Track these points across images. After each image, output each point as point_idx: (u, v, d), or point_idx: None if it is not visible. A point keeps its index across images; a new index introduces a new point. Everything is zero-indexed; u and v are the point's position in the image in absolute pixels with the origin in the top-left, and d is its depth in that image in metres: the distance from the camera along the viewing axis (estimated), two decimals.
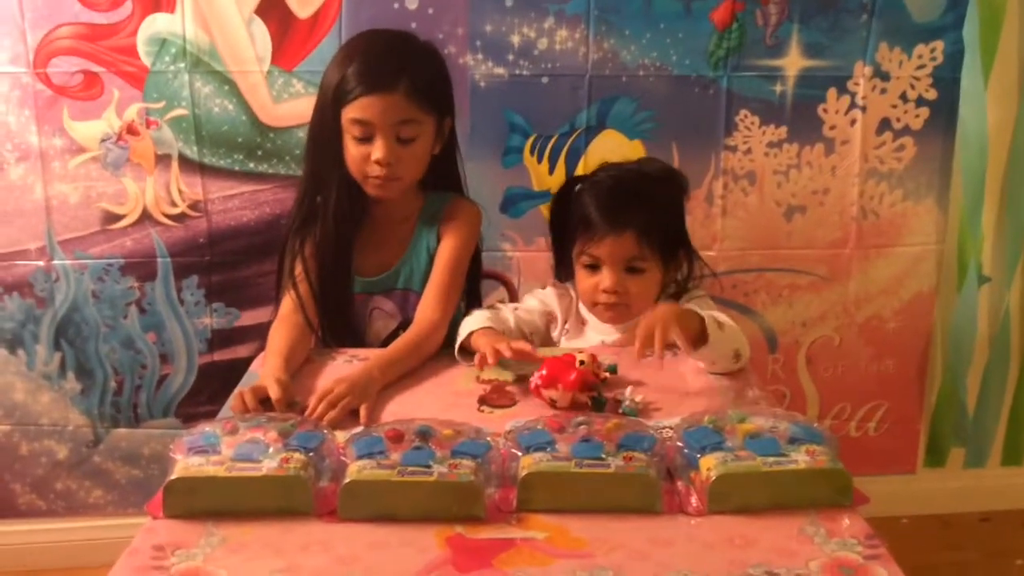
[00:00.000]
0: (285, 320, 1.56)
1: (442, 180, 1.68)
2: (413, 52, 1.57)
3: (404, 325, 1.64)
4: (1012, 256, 2.27)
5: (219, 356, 2.10)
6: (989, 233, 2.25)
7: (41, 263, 2.03)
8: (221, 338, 2.10)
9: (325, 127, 1.55)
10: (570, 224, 1.57)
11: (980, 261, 2.24)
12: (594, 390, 1.29)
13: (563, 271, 1.65)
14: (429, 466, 1.01)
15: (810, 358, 2.25)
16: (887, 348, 2.26)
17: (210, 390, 2.10)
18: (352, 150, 1.53)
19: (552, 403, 1.28)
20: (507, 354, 1.36)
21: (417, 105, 1.51)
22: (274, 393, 1.29)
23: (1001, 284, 2.29)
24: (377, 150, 1.50)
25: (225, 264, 2.05)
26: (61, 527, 2.21)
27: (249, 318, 2.08)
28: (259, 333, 2.00)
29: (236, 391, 1.32)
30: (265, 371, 1.38)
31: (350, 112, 1.50)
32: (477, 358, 1.38)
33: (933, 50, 2.06)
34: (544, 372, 1.29)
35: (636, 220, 1.48)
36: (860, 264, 2.18)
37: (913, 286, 2.21)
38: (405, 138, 1.52)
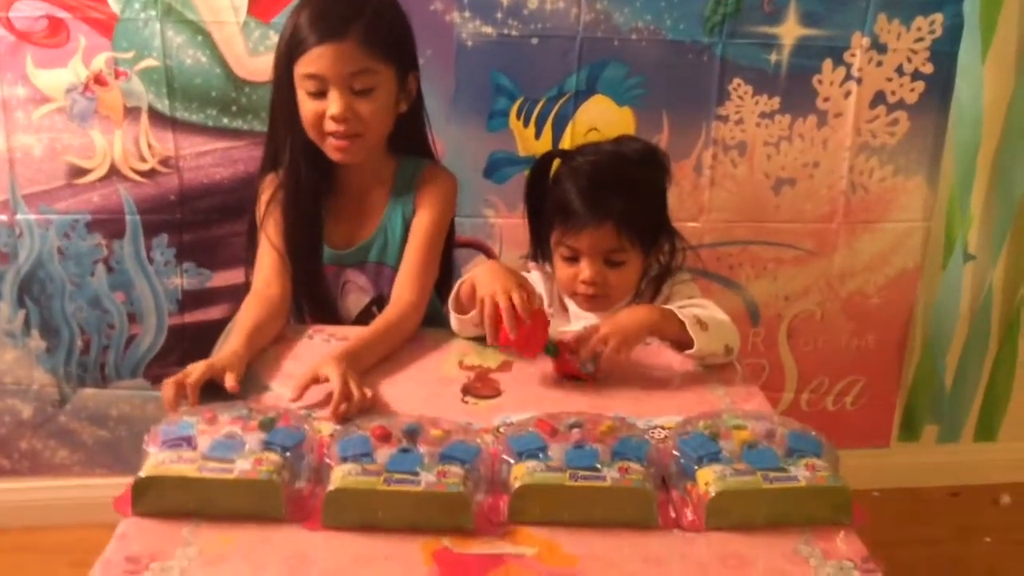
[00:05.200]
0: (256, 295, 1.49)
1: (411, 142, 1.60)
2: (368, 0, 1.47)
3: (377, 299, 1.59)
4: (999, 234, 2.25)
5: (190, 317, 2.04)
6: (977, 211, 2.24)
7: (4, 217, 1.94)
8: (192, 299, 2.03)
9: (280, 86, 1.48)
10: (547, 205, 1.52)
11: (967, 239, 2.22)
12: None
13: (539, 252, 1.59)
14: (416, 473, 0.97)
15: (791, 332, 2.24)
16: (868, 324, 2.25)
17: (180, 351, 2.04)
18: (307, 109, 1.45)
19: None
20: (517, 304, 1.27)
21: (372, 54, 1.43)
22: (229, 381, 1.20)
23: (986, 262, 2.28)
24: (332, 104, 1.42)
25: (197, 223, 1.98)
26: (25, 486, 2.16)
27: (221, 279, 2.02)
28: (232, 294, 1.94)
29: (166, 381, 1.20)
30: (224, 348, 1.31)
31: (301, 67, 1.43)
32: (477, 309, 1.31)
33: (932, 23, 2.01)
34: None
35: (615, 211, 1.43)
36: (846, 239, 2.16)
37: (898, 263, 2.20)
38: (361, 89, 1.43)
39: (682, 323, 1.33)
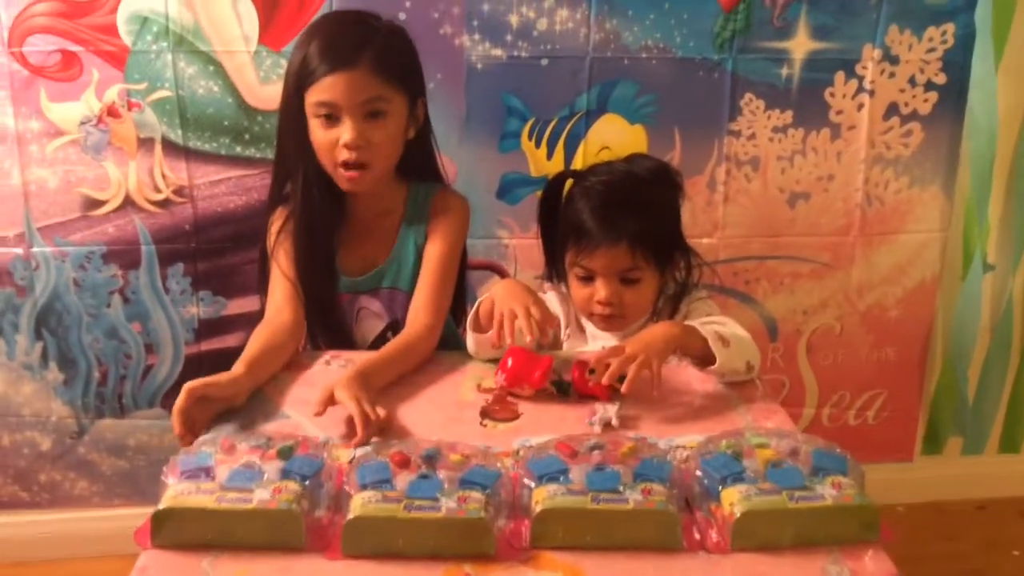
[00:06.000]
0: (267, 323, 1.48)
1: (421, 167, 1.59)
2: (376, 28, 1.48)
3: (392, 325, 1.58)
4: (1018, 243, 2.24)
5: (206, 346, 2.04)
6: (995, 220, 2.22)
7: (20, 250, 1.95)
8: (208, 327, 2.03)
9: (290, 115, 1.48)
10: (560, 226, 1.51)
11: (985, 249, 2.20)
12: (554, 373, 1.31)
13: (555, 272, 1.59)
14: (437, 499, 0.96)
15: (811, 346, 2.22)
16: (888, 336, 2.23)
17: None
18: (319, 137, 1.44)
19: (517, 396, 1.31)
20: (535, 317, 1.29)
21: (384, 80, 1.43)
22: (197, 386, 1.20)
23: (1005, 272, 2.26)
24: (345, 132, 1.42)
25: (211, 252, 1.98)
26: (45, 519, 2.16)
27: (237, 307, 2.02)
28: (247, 322, 1.93)
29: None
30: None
31: (313, 95, 1.42)
32: (496, 326, 1.32)
33: (944, 33, 2.01)
34: (510, 363, 1.30)
35: (629, 230, 1.42)
36: (863, 252, 2.14)
37: (916, 274, 2.18)
38: (373, 117, 1.43)
39: (704, 339, 1.31)
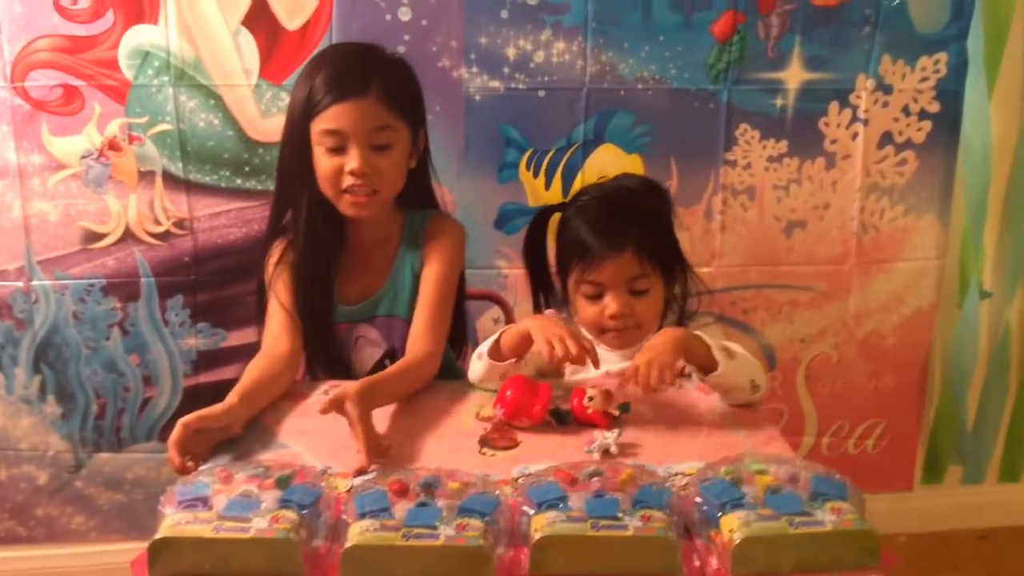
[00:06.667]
0: (264, 353, 1.48)
1: (420, 196, 1.61)
2: (382, 59, 1.50)
3: (390, 353, 1.59)
4: (1014, 271, 2.24)
5: (205, 378, 2.04)
6: (991, 248, 2.22)
7: (20, 284, 1.96)
8: (207, 359, 2.04)
9: (293, 145, 1.48)
10: (560, 250, 1.52)
11: (981, 276, 2.21)
12: (552, 403, 1.31)
13: (545, 302, 1.59)
14: (435, 527, 0.95)
15: (809, 375, 2.22)
16: (886, 365, 2.23)
17: None
18: (324, 165, 1.45)
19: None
20: (573, 351, 1.30)
21: (391, 110, 1.45)
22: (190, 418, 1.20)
23: (1002, 299, 2.26)
24: (352, 160, 1.43)
25: (211, 283, 1.99)
26: (42, 554, 2.14)
27: (236, 338, 2.02)
28: (246, 354, 1.92)
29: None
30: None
31: (320, 123, 1.43)
32: (546, 351, 1.31)
33: (936, 62, 2.03)
34: (508, 395, 1.30)
35: (632, 237, 1.43)
36: (860, 280, 2.15)
37: (913, 302, 2.18)
38: (381, 145, 1.45)
39: (708, 346, 1.32)
